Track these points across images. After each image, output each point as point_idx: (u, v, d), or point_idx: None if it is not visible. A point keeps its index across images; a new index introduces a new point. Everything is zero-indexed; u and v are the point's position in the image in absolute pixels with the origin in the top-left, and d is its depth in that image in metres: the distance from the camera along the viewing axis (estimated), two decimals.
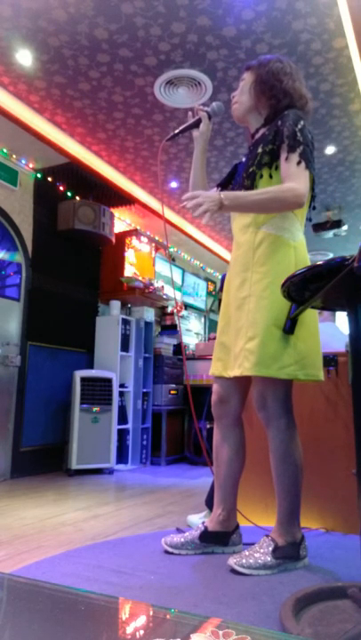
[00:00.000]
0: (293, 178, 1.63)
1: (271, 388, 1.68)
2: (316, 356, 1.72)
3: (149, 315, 5.00)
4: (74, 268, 4.50)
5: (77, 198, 4.40)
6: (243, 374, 1.66)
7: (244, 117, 1.88)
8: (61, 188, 4.36)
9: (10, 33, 2.77)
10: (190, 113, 2.01)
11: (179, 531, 2.06)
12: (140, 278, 4.87)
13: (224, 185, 2.02)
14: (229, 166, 4.19)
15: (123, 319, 4.53)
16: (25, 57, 2.96)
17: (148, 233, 5.48)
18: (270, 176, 1.72)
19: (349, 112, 3.46)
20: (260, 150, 1.75)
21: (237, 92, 1.88)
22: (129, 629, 0.78)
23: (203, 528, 1.82)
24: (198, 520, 2.26)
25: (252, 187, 1.75)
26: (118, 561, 1.72)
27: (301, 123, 1.69)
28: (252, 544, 1.69)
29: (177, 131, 1.99)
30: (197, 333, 6.72)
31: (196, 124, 1.97)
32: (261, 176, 1.73)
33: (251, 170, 1.76)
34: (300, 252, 1.76)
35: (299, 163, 1.65)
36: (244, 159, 1.89)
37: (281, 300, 1.60)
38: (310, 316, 1.73)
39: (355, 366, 1.27)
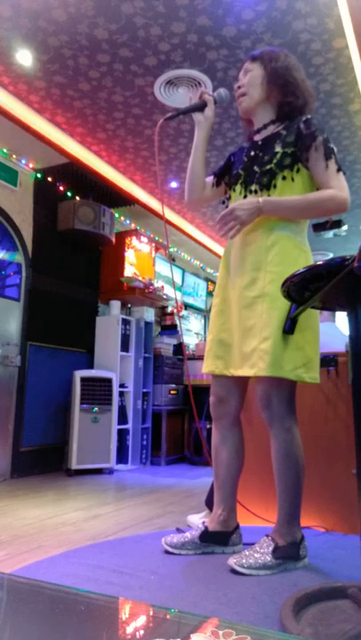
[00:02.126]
0: (337, 184, 1.66)
1: (277, 388, 1.68)
2: (317, 359, 1.73)
3: (149, 315, 5.00)
4: (74, 268, 4.50)
5: (77, 198, 4.40)
6: (257, 374, 1.64)
7: (253, 110, 1.85)
8: (61, 188, 4.36)
9: (10, 33, 2.78)
10: (191, 95, 1.95)
11: (179, 531, 2.06)
12: (140, 278, 4.88)
13: (220, 175, 1.99)
14: None
15: (123, 319, 4.53)
16: (25, 57, 2.96)
17: (148, 233, 5.48)
18: (292, 179, 1.72)
19: (349, 112, 3.46)
20: (279, 150, 1.73)
21: (245, 83, 1.82)
22: (129, 629, 0.78)
23: (203, 528, 1.82)
24: (198, 520, 2.26)
25: (269, 185, 1.73)
26: (118, 561, 1.72)
27: (325, 131, 1.71)
28: (252, 544, 1.69)
29: (180, 111, 1.88)
30: (197, 333, 6.72)
31: (201, 108, 1.89)
32: (284, 178, 1.72)
33: (269, 167, 1.73)
34: (310, 257, 1.77)
35: (338, 170, 1.68)
36: (252, 152, 1.82)
37: None
38: (314, 317, 1.73)
39: (355, 366, 1.27)
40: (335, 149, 1.70)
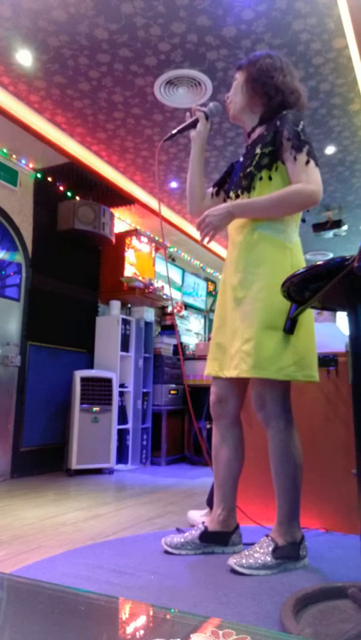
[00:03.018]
0: (304, 178, 1.64)
1: (269, 388, 1.68)
2: (312, 357, 1.72)
3: (149, 315, 5.00)
4: (74, 268, 4.50)
5: (77, 198, 4.40)
6: (240, 376, 1.66)
7: (238, 117, 1.89)
8: (61, 188, 4.36)
9: (10, 33, 2.77)
10: (188, 113, 2.00)
11: (179, 531, 2.05)
12: (140, 278, 4.87)
13: (220, 184, 2.03)
14: None
15: (123, 319, 4.53)
16: (25, 57, 2.96)
17: (148, 233, 5.48)
18: (270, 178, 1.72)
19: (349, 112, 3.46)
20: (258, 151, 1.75)
21: (231, 93, 1.89)
22: (129, 629, 0.78)
23: (203, 528, 1.82)
24: (199, 517, 2.26)
25: (249, 187, 1.76)
26: (118, 561, 1.72)
27: (302, 123, 1.70)
28: (252, 544, 1.69)
29: (174, 131, 1.98)
30: (197, 333, 6.72)
31: (194, 125, 1.96)
32: (261, 178, 1.73)
33: (248, 170, 1.77)
34: (296, 254, 1.75)
35: (308, 162, 1.65)
36: (241, 159, 1.89)
37: (277, 302, 1.60)
38: (307, 316, 1.73)
39: (355, 366, 1.27)
40: (309, 141, 1.68)
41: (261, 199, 1.69)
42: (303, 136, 1.68)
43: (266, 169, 1.72)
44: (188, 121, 1.98)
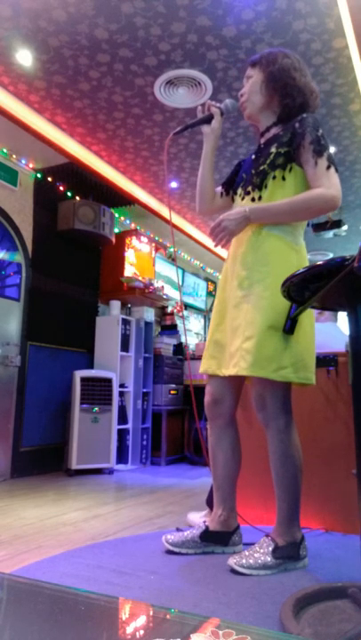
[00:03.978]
0: (326, 182, 1.64)
1: (270, 388, 1.68)
2: (310, 359, 1.71)
3: (149, 315, 5.00)
4: (74, 268, 4.50)
5: (77, 198, 4.40)
6: (238, 374, 1.65)
7: (255, 116, 1.86)
8: (61, 188, 4.36)
9: (10, 33, 2.77)
10: (200, 107, 1.94)
11: (179, 530, 2.05)
12: (140, 278, 4.88)
13: (229, 183, 2.02)
14: (229, 166, 4.19)
15: (123, 319, 4.53)
16: (25, 57, 2.96)
17: (148, 233, 5.48)
18: (283, 178, 1.72)
19: (349, 112, 3.46)
20: (273, 150, 1.74)
21: (246, 90, 1.85)
22: (129, 629, 0.78)
23: (204, 527, 1.82)
24: (199, 519, 2.26)
25: (261, 185, 1.74)
26: (118, 561, 1.72)
27: (321, 129, 1.70)
28: (253, 544, 1.69)
29: (187, 124, 1.92)
30: (197, 333, 6.72)
31: (208, 120, 1.92)
32: (274, 177, 1.72)
33: (262, 168, 1.75)
34: (302, 256, 1.76)
35: (328, 167, 1.66)
36: (253, 156, 1.87)
37: (281, 301, 1.59)
38: (308, 317, 1.72)
39: (355, 366, 1.27)
40: (328, 146, 1.69)
41: (280, 203, 1.67)
42: (323, 141, 1.68)
43: (280, 168, 1.72)
44: (202, 116, 1.93)
